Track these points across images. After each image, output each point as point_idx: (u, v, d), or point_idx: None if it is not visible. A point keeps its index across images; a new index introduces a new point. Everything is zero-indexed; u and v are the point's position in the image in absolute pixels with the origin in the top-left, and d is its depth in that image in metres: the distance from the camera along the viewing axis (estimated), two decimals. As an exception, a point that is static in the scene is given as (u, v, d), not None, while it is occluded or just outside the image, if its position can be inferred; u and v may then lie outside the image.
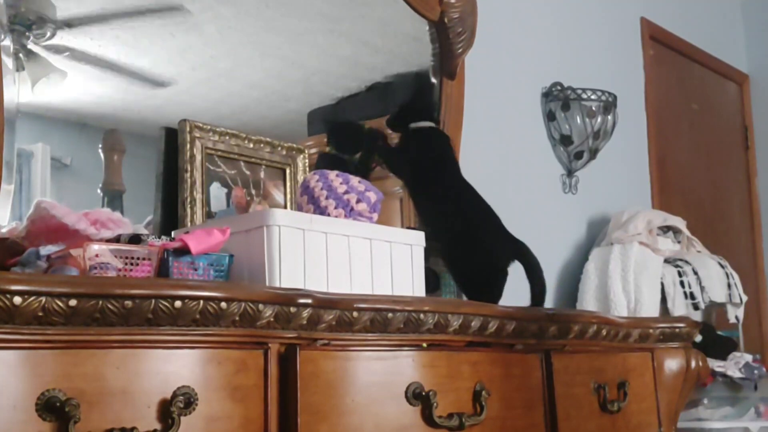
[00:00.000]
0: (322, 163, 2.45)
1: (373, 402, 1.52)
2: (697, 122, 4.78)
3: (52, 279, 1.26)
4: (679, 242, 3.70)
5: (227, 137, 2.16)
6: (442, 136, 2.55)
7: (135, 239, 1.62)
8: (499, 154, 3.28)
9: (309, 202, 1.90)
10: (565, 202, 3.64)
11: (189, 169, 2.06)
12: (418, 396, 1.58)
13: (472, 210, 2.32)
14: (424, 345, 1.67)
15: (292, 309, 1.42)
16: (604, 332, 2.08)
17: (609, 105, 3.60)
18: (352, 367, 1.51)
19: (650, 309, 3.33)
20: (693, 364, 2.32)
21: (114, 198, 2.06)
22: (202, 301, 1.28)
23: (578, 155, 3.60)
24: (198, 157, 2.08)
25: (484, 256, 2.28)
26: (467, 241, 2.28)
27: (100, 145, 2.07)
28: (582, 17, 3.92)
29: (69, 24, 2.01)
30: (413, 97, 2.63)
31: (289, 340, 1.44)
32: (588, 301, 3.43)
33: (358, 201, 1.88)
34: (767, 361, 4.06)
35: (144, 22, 2.16)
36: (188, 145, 2.07)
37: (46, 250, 1.59)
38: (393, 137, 2.55)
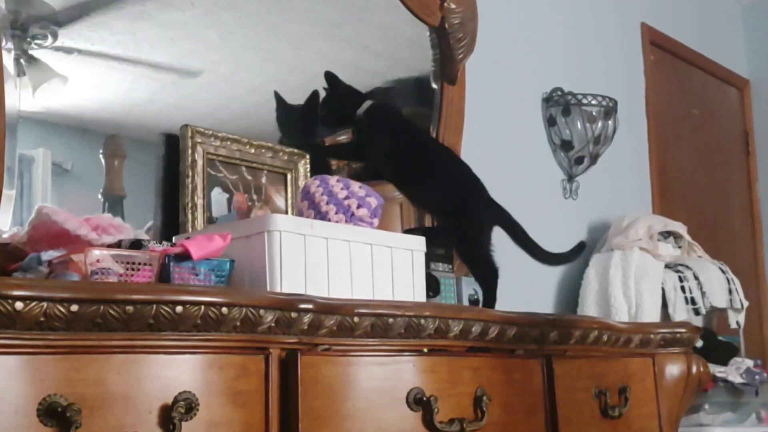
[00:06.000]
0: None
1: (374, 407, 1.52)
2: (697, 127, 4.78)
3: (54, 284, 1.26)
4: (679, 247, 3.70)
5: (228, 142, 2.17)
6: (390, 110, 2.57)
7: (136, 245, 1.63)
8: (500, 159, 3.28)
9: (310, 207, 1.90)
10: (566, 208, 3.64)
11: (190, 174, 2.06)
12: (419, 401, 1.58)
13: (454, 181, 2.39)
14: (425, 350, 1.67)
15: (293, 314, 1.42)
16: (605, 337, 2.08)
17: (610, 110, 3.60)
18: (353, 373, 1.51)
19: (651, 314, 3.32)
20: (694, 369, 2.32)
21: (115, 203, 2.06)
22: (203, 307, 1.29)
23: (579, 160, 3.61)
24: (199, 163, 2.09)
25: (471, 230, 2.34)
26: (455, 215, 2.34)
27: (101, 151, 2.07)
28: (582, 22, 3.92)
29: (70, 29, 2.01)
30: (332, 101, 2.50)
31: (290, 346, 1.44)
32: (589, 307, 3.43)
33: (359, 206, 1.88)
34: (768, 367, 4.06)
35: (145, 27, 2.16)
36: (189, 151, 2.07)
37: (47, 255, 1.59)
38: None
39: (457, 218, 2.31)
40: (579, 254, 2.60)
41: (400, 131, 2.45)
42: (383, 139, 2.40)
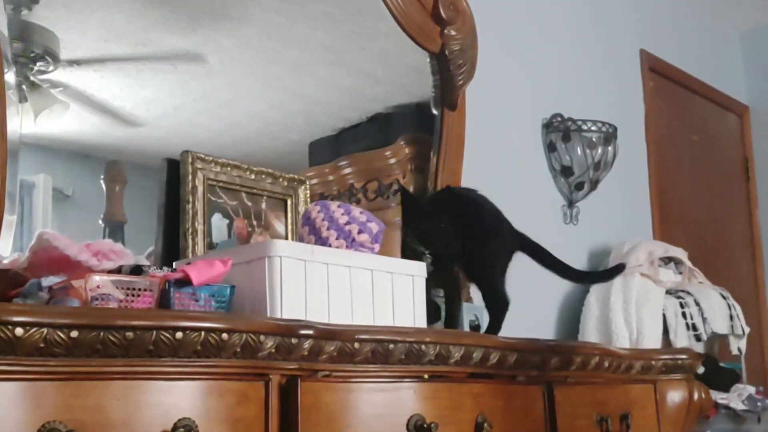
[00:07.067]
0: None
1: (374, 434, 1.51)
2: (697, 153, 4.78)
3: (54, 310, 1.25)
4: (680, 273, 3.69)
5: (229, 168, 2.17)
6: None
7: (136, 270, 1.63)
8: (500, 185, 3.26)
9: (310, 232, 1.90)
10: (566, 233, 3.63)
11: (191, 200, 2.06)
12: (419, 428, 1.57)
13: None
14: (426, 376, 1.66)
15: (294, 340, 1.42)
16: (606, 364, 2.08)
17: (609, 136, 3.61)
18: (353, 399, 1.51)
19: (652, 340, 3.32)
20: (696, 396, 2.31)
21: (115, 229, 2.06)
22: (203, 332, 1.28)
23: (579, 186, 3.61)
24: (200, 188, 2.09)
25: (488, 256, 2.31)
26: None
27: (101, 176, 2.07)
28: (582, 49, 3.94)
29: (75, 61, 2.02)
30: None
31: (290, 372, 1.44)
32: (590, 333, 3.42)
33: (360, 232, 1.88)
34: (770, 393, 4.04)
35: (147, 53, 2.17)
36: (190, 176, 2.08)
37: (47, 281, 1.59)
38: None
39: (476, 248, 2.28)
40: (615, 275, 2.55)
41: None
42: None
